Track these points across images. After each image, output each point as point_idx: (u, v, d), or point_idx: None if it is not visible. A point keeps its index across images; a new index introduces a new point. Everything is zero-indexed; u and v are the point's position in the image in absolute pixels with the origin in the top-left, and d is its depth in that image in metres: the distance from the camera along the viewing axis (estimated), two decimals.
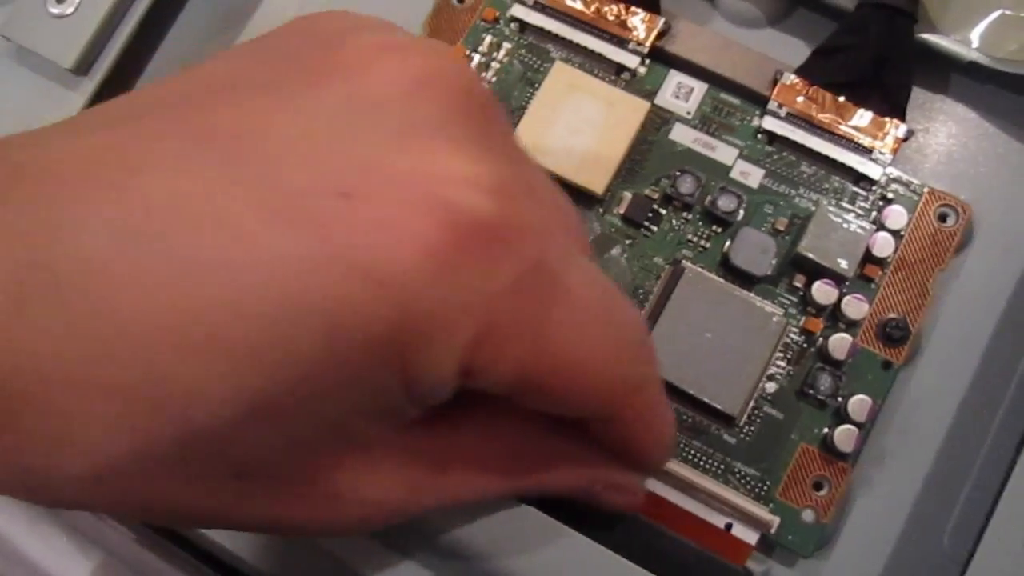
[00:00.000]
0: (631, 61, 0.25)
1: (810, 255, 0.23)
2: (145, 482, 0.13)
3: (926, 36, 0.24)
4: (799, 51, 0.26)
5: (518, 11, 0.25)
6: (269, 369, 0.13)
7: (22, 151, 0.13)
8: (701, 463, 0.23)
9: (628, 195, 0.24)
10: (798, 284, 0.23)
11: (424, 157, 0.14)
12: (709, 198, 0.24)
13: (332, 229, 0.13)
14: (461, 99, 0.15)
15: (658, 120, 0.25)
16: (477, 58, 0.26)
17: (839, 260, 0.23)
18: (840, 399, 0.23)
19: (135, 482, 0.13)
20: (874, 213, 0.24)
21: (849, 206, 0.24)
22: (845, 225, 0.23)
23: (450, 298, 0.13)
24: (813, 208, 0.24)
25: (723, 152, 0.24)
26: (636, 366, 0.16)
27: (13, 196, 0.13)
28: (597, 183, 0.24)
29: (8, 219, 0.12)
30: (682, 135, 0.25)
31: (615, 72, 0.25)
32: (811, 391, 0.23)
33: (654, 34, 0.25)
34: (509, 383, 0.15)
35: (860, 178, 0.24)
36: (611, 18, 0.25)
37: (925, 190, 0.24)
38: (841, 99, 0.24)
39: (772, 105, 0.24)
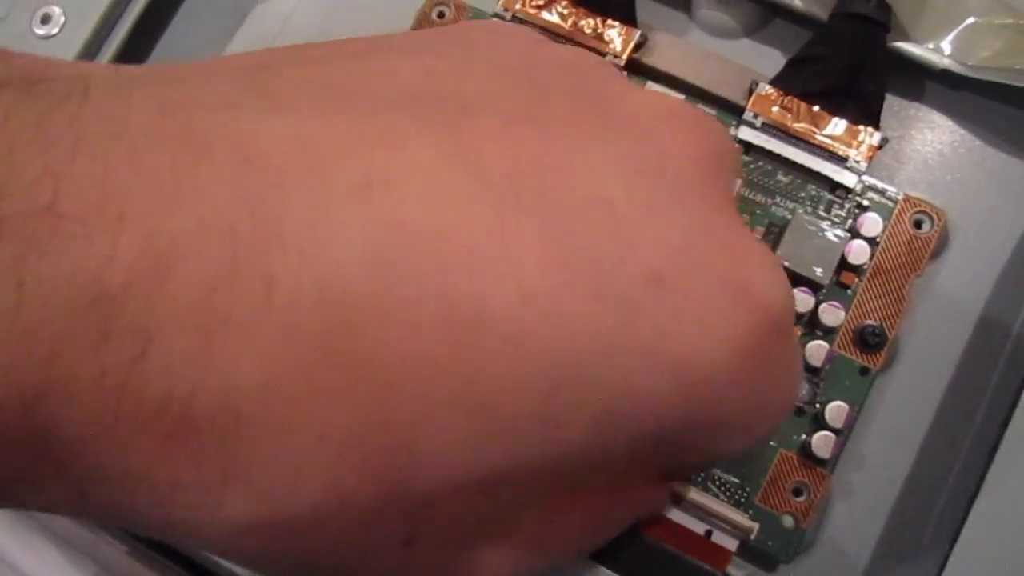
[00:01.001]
0: None
1: (786, 263, 0.23)
2: (302, 541, 0.10)
3: (899, 44, 0.24)
4: (776, 61, 0.26)
5: None
6: (520, 444, 0.11)
7: (198, 116, 0.10)
8: None
9: None
10: None
11: (728, 240, 0.12)
12: None
13: (640, 316, 0.11)
14: (734, 182, 0.14)
15: None
16: None
17: (815, 268, 0.23)
18: (818, 406, 0.23)
19: (293, 540, 0.10)
20: (850, 221, 0.24)
21: (825, 214, 0.24)
22: (821, 233, 0.23)
23: (747, 397, 0.12)
24: (789, 217, 0.24)
25: None
26: None
27: (201, 175, 0.10)
28: None
29: (200, 210, 0.09)
30: None
31: None
32: None
33: (631, 46, 0.25)
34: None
35: (836, 186, 0.24)
36: (588, 31, 0.25)
37: (900, 197, 0.24)
38: (816, 108, 0.24)
39: (748, 115, 0.24)
